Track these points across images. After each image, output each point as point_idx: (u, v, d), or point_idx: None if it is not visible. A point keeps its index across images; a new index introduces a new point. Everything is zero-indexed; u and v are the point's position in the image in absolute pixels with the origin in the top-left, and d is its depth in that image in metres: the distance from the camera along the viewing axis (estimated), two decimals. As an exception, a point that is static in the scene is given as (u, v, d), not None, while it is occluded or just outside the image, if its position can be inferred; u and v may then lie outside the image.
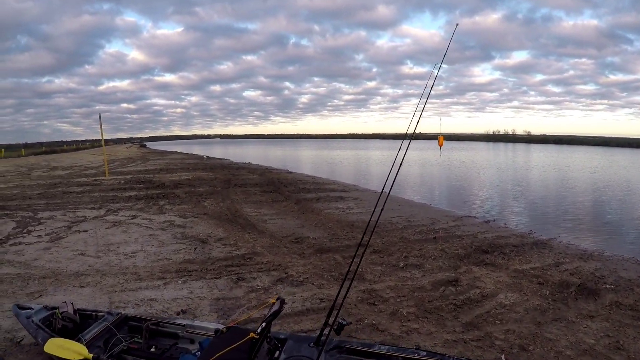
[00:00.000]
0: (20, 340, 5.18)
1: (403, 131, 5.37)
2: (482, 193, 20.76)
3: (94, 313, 4.97)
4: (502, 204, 17.76)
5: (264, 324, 3.53)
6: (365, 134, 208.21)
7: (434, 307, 6.34)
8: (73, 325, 4.64)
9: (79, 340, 4.15)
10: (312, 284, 7.26)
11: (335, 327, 3.81)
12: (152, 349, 4.29)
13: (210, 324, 4.57)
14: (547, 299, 6.73)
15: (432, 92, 5.38)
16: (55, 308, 4.83)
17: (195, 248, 9.44)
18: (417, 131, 5.34)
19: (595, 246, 10.56)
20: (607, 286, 7.33)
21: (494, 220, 13.36)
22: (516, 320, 6.00)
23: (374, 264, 8.41)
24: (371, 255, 8.84)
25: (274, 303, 3.98)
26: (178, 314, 6.05)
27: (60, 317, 4.62)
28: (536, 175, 30.42)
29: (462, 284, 7.34)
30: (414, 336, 5.50)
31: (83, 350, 3.89)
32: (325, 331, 3.91)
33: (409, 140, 5.19)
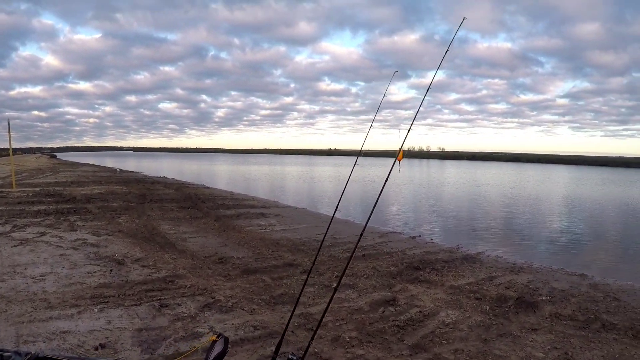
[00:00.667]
0: None
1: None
2: (404, 209, 20.95)
3: None
4: (424, 219, 17.94)
5: None
6: (281, 150, 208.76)
7: (377, 330, 5.82)
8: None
9: None
10: (243, 309, 6.48)
11: None
12: None
13: None
14: (488, 315, 6.47)
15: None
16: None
17: (111, 270, 8.28)
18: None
19: (522, 258, 10.74)
20: (544, 298, 7.26)
21: (420, 236, 13.28)
22: (462, 338, 5.64)
23: (306, 285, 7.78)
24: (301, 276, 8.23)
25: (214, 341, 3.24)
26: (96, 348, 5.03)
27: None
28: (456, 190, 31.56)
29: (400, 303, 6.92)
30: (360, 364, 4.96)
31: None
32: None
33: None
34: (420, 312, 6.53)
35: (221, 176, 48.82)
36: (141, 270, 8.36)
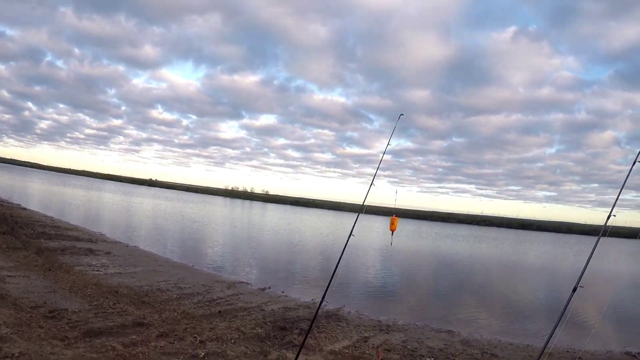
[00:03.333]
0: None
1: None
2: (237, 252, 19.99)
3: None
4: (264, 265, 17.21)
5: None
6: (101, 174, 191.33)
7: None
8: None
9: None
10: None
11: None
12: None
13: None
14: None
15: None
16: None
17: None
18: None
19: (376, 313, 10.65)
20: (428, 359, 7.04)
21: (270, 288, 12.44)
22: None
23: (167, 355, 6.27)
24: (158, 342, 6.68)
25: None
26: None
27: None
28: (290, 236, 31.42)
29: None
30: None
31: None
32: None
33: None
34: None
35: (38, 196, 43.08)
36: None
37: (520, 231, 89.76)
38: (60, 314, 7.28)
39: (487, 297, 15.46)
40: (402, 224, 74.11)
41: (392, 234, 4.77)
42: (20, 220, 18.26)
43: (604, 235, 2.75)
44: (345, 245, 5.39)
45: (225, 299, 10.19)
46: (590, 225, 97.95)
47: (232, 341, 7.24)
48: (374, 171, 5.66)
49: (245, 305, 9.83)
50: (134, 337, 6.68)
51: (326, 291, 3.35)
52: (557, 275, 23.81)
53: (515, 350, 8.65)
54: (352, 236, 5.41)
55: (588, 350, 9.08)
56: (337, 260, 5.41)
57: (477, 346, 8.49)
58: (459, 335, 9.25)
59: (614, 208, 3.31)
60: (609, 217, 3.27)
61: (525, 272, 24.33)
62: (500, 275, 22.39)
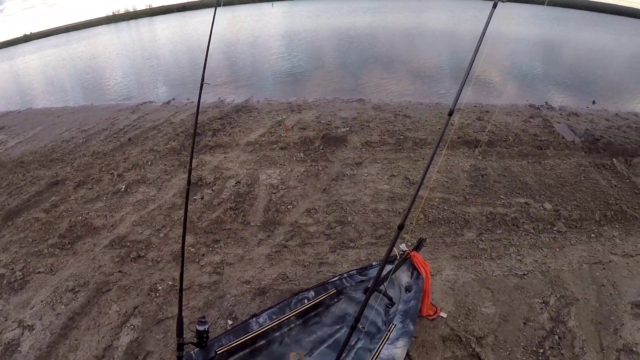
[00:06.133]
0: None
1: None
2: (135, 75, 18.81)
3: None
4: (165, 79, 16.46)
5: None
6: None
7: (212, 224, 5.11)
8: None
9: None
10: (39, 272, 4.86)
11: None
12: None
13: None
14: (306, 162, 6.47)
15: None
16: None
17: None
18: None
19: (286, 95, 10.75)
20: (344, 129, 7.42)
21: (174, 99, 12.09)
22: (302, 195, 5.65)
23: (90, 202, 6.27)
24: (78, 192, 6.60)
25: None
26: None
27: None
28: (187, 45, 29.39)
29: (211, 180, 6.28)
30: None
31: None
32: None
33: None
34: (239, 182, 6.00)
35: None
36: None
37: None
38: (-33, 203, 6.92)
39: (394, 65, 15.60)
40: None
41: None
42: None
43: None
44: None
45: (132, 125, 9.88)
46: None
47: (149, 163, 7.27)
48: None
49: (154, 124, 9.61)
50: (53, 199, 6.54)
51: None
52: (461, 39, 23.93)
53: (426, 110, 9.20)
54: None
55: (495, 104, 9.82)
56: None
57: (388, 110, 8.92)
58: (370, 102, 9.62)
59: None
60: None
61: (430, 38, 24.27)
62: (406, 44, 22.23)
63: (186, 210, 3.03)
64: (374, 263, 3.58)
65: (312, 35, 26.15)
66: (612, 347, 3.49)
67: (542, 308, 3.82)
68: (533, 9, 49.11)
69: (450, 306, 3.83)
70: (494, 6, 2.59)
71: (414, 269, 3.39)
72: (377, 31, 27.60)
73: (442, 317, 3.67)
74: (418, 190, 2.46)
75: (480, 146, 6.93)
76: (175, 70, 18.79)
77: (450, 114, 2.50)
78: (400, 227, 2.43)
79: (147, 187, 6.45)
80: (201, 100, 3.12)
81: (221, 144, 7.65)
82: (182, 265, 2.72)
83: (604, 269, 4.34)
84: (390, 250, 2.51)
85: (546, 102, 10.24)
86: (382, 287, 3.20)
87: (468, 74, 2.51)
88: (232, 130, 8.29)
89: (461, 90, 2.52)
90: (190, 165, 3.10)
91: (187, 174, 3.02)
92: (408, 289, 3.32)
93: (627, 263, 4.43)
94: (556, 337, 3.54)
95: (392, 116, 8.49)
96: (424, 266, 3.35)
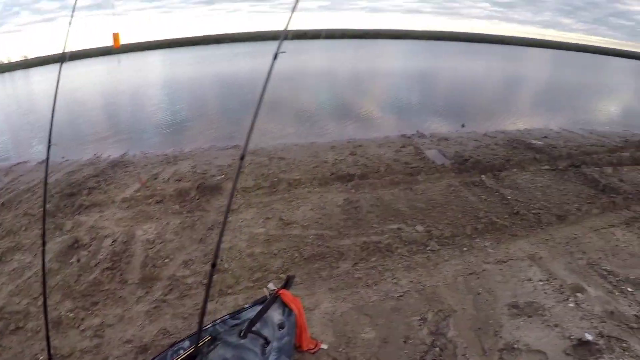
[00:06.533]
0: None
1: None
2: (6, 133, 17.57)
3: None
4: (37, 136, 15.54)
5: None
6: None
7: (90, 286, 4.99)
8: None
9: None
10: None
11: None
12: None
13: None
14: (182, 213, 6.47)
15: None
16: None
17: None
18: None
19: (167, 147, 10.78)
20: (218, 178, 7.61)
21: (49, 158, 11.54)
22: (178, 248, 5.54)
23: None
24: None
25: None
26: None
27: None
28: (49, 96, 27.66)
29: (87, 241, 6.07)
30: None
31: None
32: None
33: None
34: (115, 241, 5.98)
35: None
36: None
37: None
38: None
39: (269, 110, 16.15)
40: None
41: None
42: None
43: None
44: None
45: (4, 189, 9.29)
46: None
47: (24, 228, 6.93)
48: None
49: (28, 186, 9.11)
50: None
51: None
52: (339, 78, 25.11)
53: (300, 150, 9.62)
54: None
55: (368, 138, 10.55)
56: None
57: (263, 153, 9.20)
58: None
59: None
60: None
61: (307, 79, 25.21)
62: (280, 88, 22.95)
63: (44, 275, 3.05)
64: (246, 306, 3.85)
65: (188, 82, 26.21)
66: (493, 348, 3.81)
67: (420, 325, 4.11)
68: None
69: (330, 337, 4.01)
70: (275, 57, 2.93)
71: (284, 306, 3.64)
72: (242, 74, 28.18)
73: (323, 349, 3.84)
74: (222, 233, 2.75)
75: (352, 180, 7.57)
76: (41, 126, 17.81)
77: (242, 157, 2.78)
78: (213, 266, 2.74)
79: (22, 255, 6.22)
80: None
81: (97, 202, 7.52)
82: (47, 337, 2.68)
83: (478, 278, 4.79)
84: (208, 291, 2.77)
85: (417, 131, 11.26)
86: (256, 328, 3.40)
87: (254, 121, 2.81)
88: (108, 187, 8.16)
89: (249, 136, 2.82)
90: (44, 233, 3.16)
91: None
92: (281, 326, 3.47)
93: (501, 269, 4.94)
94: (437, 349, 3.81)
95: (267, 159, 8.82)
96: (294, 302, 3.55)
